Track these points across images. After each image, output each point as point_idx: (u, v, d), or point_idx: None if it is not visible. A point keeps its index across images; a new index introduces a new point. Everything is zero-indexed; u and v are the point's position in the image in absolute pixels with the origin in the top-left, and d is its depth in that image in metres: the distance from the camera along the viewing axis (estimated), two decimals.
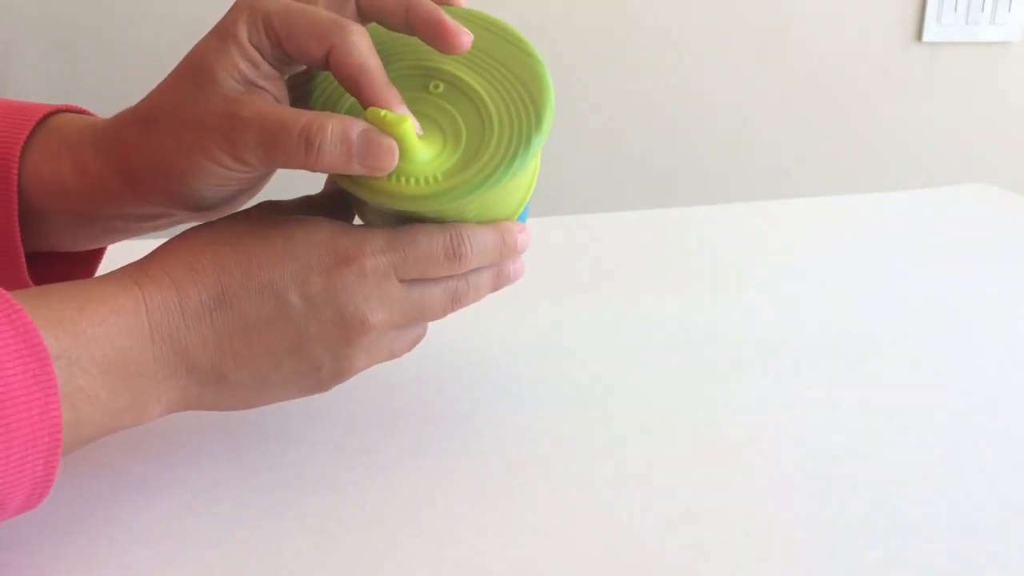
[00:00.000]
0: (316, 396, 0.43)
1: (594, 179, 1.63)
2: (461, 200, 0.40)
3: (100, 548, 0.38)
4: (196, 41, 0.40)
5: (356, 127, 0.38)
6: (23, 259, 0.43)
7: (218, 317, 0.38)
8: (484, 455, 0.45)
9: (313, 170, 0.39)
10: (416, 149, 0.40)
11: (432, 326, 0.45)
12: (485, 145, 0.41)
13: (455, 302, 0.43)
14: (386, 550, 0.39)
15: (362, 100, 0.39)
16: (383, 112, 0.39)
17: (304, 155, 0.38)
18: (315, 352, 0.40)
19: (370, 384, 0.51)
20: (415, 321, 0.43)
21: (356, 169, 0.38)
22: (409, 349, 0.44)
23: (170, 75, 0.40)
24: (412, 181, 0.40)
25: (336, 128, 0.38)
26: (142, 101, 0.41)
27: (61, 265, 0.47)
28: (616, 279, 0.69)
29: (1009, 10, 1.74)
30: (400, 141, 0.39)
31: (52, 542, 0.39)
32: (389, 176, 0.39)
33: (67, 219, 0.43)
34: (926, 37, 1.72)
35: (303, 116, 0.38)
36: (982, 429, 0.48)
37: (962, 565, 0.38)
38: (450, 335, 0.57)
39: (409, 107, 0.40)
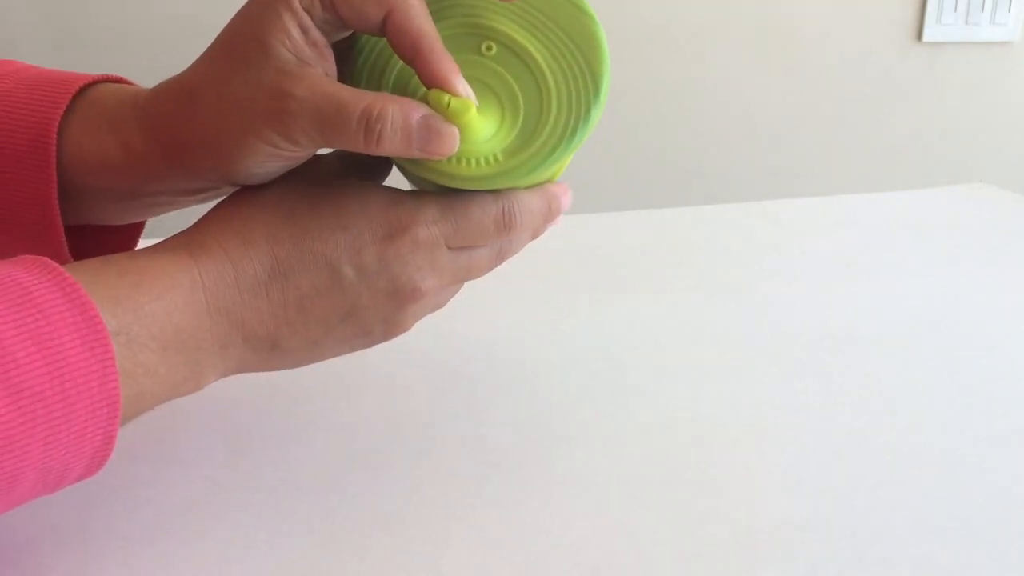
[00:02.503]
0: (316, 396, 0.43)
1: (593, 179, 1.63)
2: (519, 180, 0.40)
3: (100, 548, 0.38)
4: (198, 39, 0.39)
5: (417, 112, 0.37)
6: (63, 236, 0.42)
7: (273, 289, 0.38)
8: (484, 455, 0.45)
9: (368, 153, 0.38)
10: (478, 131, 0.39)
11: (430, 328, 0.46)
12: (544, 120, 0.39)
13: (499, 260, 0.44)
14: (386, 550, 0.39)
15: (420, 69, 0.38)
16: (447, 98, 0.37)
17: (363, 140, 0.37)
18: (367, 319, 0.40)
19: (370, 384, 0.51)
20: (461, 281, 0.43)
21: (415, 154, 0.38)
22: (450, 299, 0.45)
23: (215, 45, 0.39)
24: (472, 162, 0.39)
25: (398, 114, 0.37)
26: (186, 73, 0.40)
27: (100, 239, 0.46)
28: (616, 279, 0.69)
29: (1009, 10, 1.74)
30: (463, 129, 0.38)
31: (52, 542, 0.39)
32: (448, 158, 0.39)
33: (109, 194, 0.42)
34: (926, 37, 1.72)
35: (362, 98, 0.37)
36: (982, 429, 0.48)
37: (962, 565, 0.38)
38: (451, 335, 0.57)
39: (463, 72, 0.39)
